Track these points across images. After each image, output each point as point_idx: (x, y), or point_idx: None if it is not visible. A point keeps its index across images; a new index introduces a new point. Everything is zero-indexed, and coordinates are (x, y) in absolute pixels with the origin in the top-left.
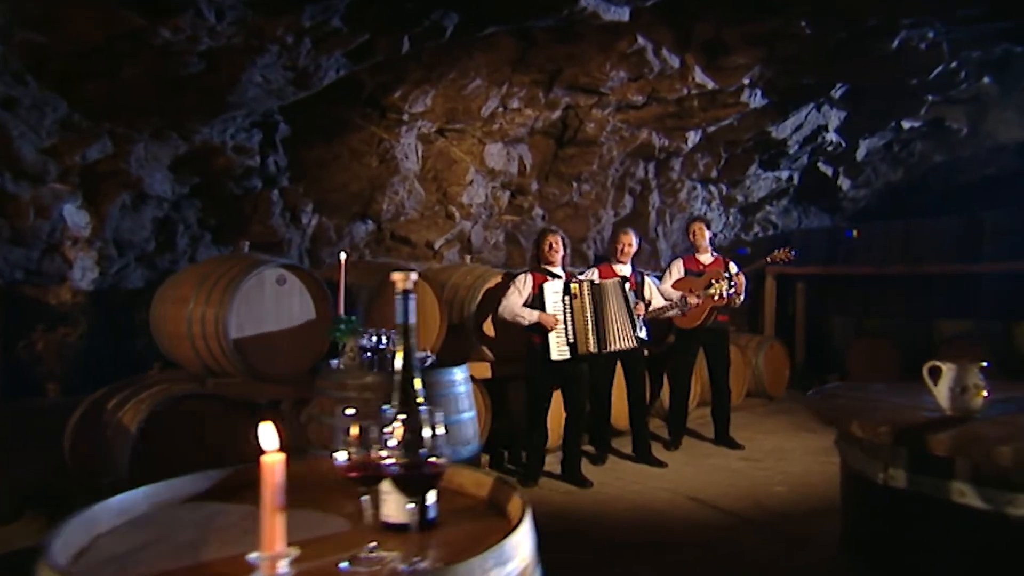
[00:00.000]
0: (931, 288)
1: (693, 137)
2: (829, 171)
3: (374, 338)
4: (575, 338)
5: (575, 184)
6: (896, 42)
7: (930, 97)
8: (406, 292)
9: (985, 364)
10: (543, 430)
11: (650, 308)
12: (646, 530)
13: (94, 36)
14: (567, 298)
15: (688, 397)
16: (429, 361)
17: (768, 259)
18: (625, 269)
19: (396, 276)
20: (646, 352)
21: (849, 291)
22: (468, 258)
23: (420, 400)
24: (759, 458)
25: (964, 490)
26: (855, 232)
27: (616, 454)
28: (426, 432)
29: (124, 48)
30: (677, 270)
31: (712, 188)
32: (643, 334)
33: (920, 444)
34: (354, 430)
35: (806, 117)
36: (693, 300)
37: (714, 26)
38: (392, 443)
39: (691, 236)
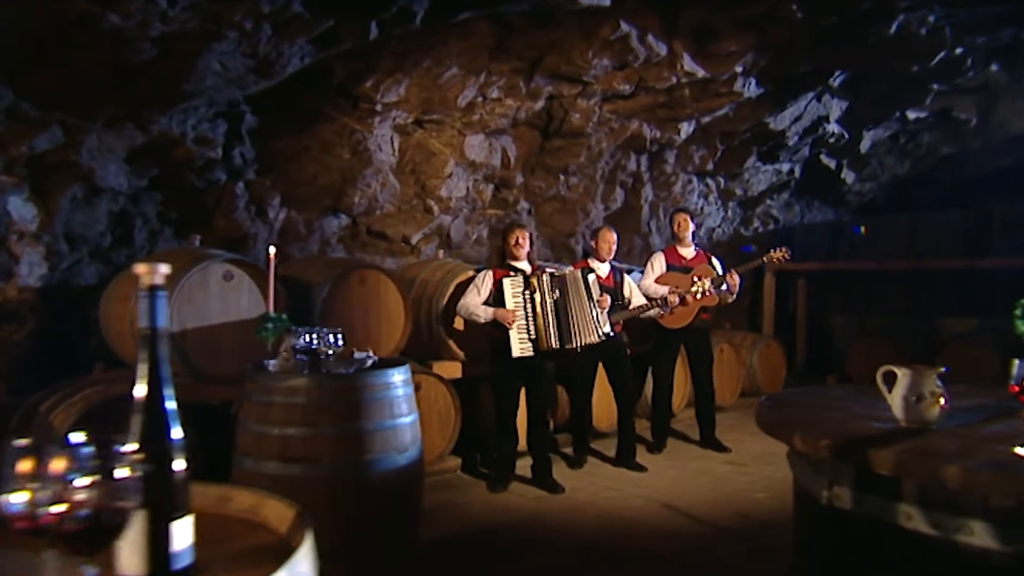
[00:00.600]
0: (936, 285)
1: (686, 128)
2: (832, 164)
3: (307, 338)
4: (536, 334)
5: (562, 177)
6: (894, 26)
7: (935, 86)
8: (152, 289)
9: (944, 369)
10: (512, 432)
11: (630, 307)
12: (614, 539)
13: (41, 23)
14: (527, 292)
15: (670, 397)
16: (370, 362)
17: (764, 260)
18: (604, 267)
19: (140, 269)
20: (630, 350)
21: (851, 288)
22: (441, 253)
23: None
24: (745, 462)
25: (911, 513)
26: (863, 228)
27: (598, 457)
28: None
29: (73, 35)
30: (659, 264)
31: (709, 181)
32: (607, 328)
33: (862, 461)
34: (24, 465)
35: (805, 107)
36: (673, 299)
37: (702, 11)
38: (81, 482)
39: (675, 228)
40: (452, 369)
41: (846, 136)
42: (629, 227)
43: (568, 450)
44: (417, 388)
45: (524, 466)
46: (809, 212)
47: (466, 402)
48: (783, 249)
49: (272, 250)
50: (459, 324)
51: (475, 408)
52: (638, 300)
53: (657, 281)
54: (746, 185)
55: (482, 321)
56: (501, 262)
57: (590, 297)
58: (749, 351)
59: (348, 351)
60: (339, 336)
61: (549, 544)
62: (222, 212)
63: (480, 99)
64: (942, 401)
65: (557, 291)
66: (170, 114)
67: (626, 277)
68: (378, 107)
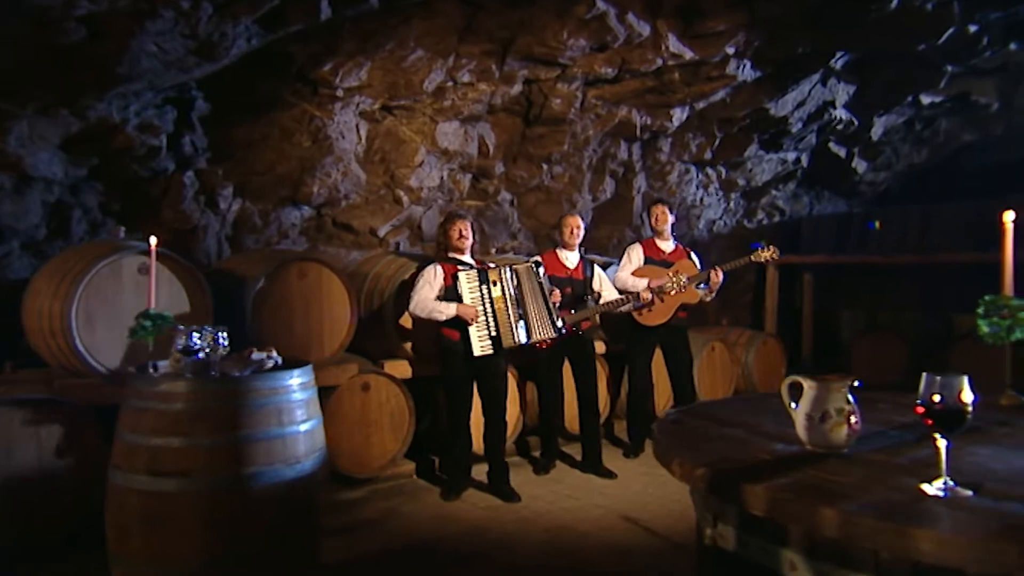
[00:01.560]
0: (949, 279)
1: (679, 114)
2: (842, 152)
3: (194, 337)
4: (498, 330)
5: (545, 166)
6: (895, 1)
7: (950, 68)
8: None
9: (856, 383)
10: (465, 435)
11: (601, 302)
12: (559, 554)
13: None
14: (484, 287)
15: (647, 399)
16: (270, 363)
17: (751, 258)
18: (573, 257)
19: None
20: (606, 348)
21: (860, 282)
22: (398, 245)
23: None
24: None
25: (796, 562)
26: (877, 223)
27: (569, 461)
28: None
29: None
30: (636, 256)
31: (709, 171)
32: (560, 324)
33: (734, 497)
34: None
35: (809, 92)
36: (647, 296)
37: None
38: None
39: (652, 220)
40: (402, 368)
41: (855, 123)
42: (620, 219)
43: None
44: (366, 388)
45: (484, 470)
46: (819, 203)
47: (421, 402)
48: (771, 248)
49: (153, 240)
50: (406, 321)
51: (432, 409)
52: (610, 294)
53: (634, 274)
54: (749, 175)
55: (443, 318)
56: (444, 255)
57: (543, 290)
58: (744, 349)
59: (247, 351)
60: (224, 335)
61: (484, 560)
62: (169, 203)
63: (450, 83)
64: (853, 420)
65: (518, 285)
66: (108, 99)
67: (597, 269)
68: (339, 92)
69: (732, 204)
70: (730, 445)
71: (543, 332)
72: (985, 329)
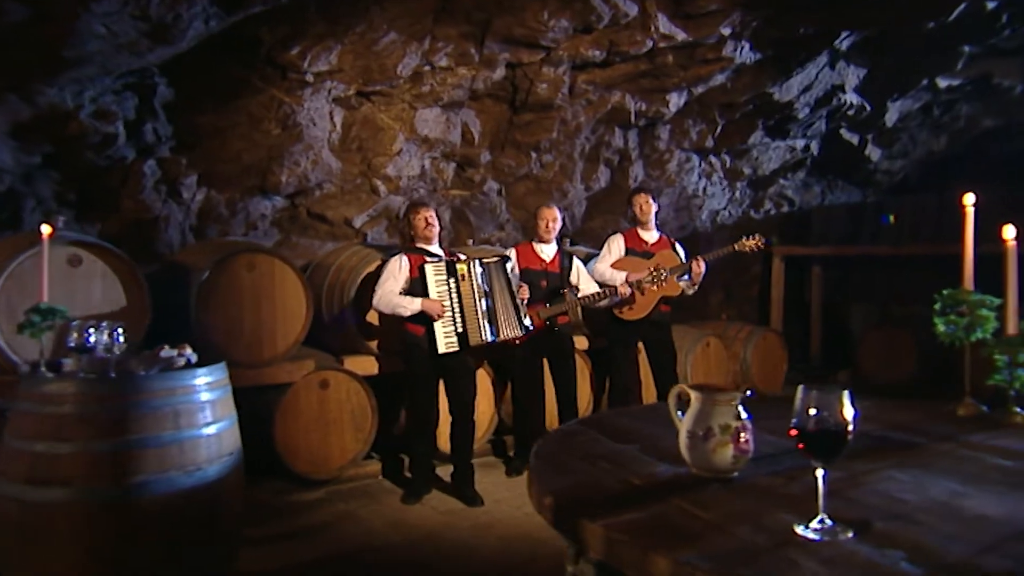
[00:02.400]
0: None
1: (676, 100)
2: (854, 139)
3: (90, 334)
4: (465, 327)
5: (534, 154)
6: None
7: (967, 48)
8: None
9: (749, 393)
10: (429, 436)
11: (578, 295)
12: (508, 566)
13: None
14: (452, 280)
15: (627, 396)
16: (181, 361)
17: (735, 247)
18: (549, 249)
19: None
20: (587, 343)
21: (872, 275)
22: (365, 236)
23: None
24: None
25: None
26: (891, 217)
27: None
28: None
29: None
30: (617, 247)
31: (713, 160)
32: (528, 322)
33: (572, 534)
34: None
35: (816, 76)
36: (625, 290)
37: None
38: None
39: (636, 209)
40: (366, 365)
41: (867, 108)
42: (615, 209)
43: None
44: (324, 386)
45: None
46: (831, 193)
47: (386, 400)
48: (756, 236)
49: (46, 229)
50: (372, 317)
51: (398, 407)
52: (589, 288)
53: (614, 266)
54: (755, 163)
55: (407, 314)
56: (411, 246)
57: (510, 286)
58: (743, 344)
59: (158, 349)
60: (120, 331)
61: (428, 571)
62: (128, 193)
63: (427, 68)
64: (742, 439)
65: (488, 279)
66: (60, 85)
67: (576, 262)
68: (308, 77)
69: (738, 194)
70: (609, 466)
71: (510, 330)
72: (941, 328)
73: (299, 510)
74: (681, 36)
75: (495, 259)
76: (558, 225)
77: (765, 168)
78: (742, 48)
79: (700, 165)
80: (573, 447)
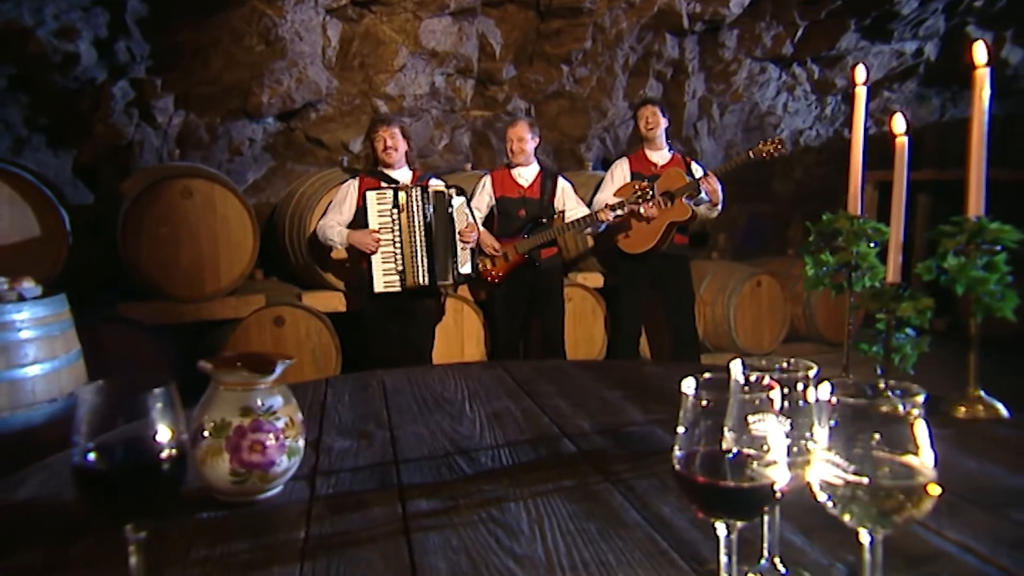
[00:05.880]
0: None
1: None
2: (988, 38)
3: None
4: (404, 264)
5: (566, 68)
6: None
7: None
8: None
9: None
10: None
11: (560, 223)
12: None
13: None
14: (395, 211)
15: (633, 343)
16: (13, 295)
17: (751, 153)
18: (528, 172)
19: None
20: (600, 282)
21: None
22: (343, 161)
23: None
24: None
25: None
26: None
27: None
28: None
29: None
30: (621, 173)
31: (797, 70)
32: (467, 268)
33: None
34: None
35: None
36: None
37: None
38: None
39: (641, 124)
40: (329, 301)
41: None
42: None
43: None
44: (279, 323)
45: None
46: (954, 106)
47: (356, 338)
48: (775, 139)
49: None
50: (339, 252)
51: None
52: (574, 212)
53: (617, 194)
54: (849, 73)
55: (338, 246)
56: (373, 169)
57: (452, 224)
58: None
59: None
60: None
61: None
62: (100, 116)
63: None
64: (252, 444)
65: (431, 210)
66: (17, 0)
67: (562, 184)
68: None
69: (828, 110)
70: None
71: (446, 274)
72: (809, 270)
73: None
74: None
75: (441, 187)
76: (530, 145)
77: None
78: None
79: (780, 77)
80: None
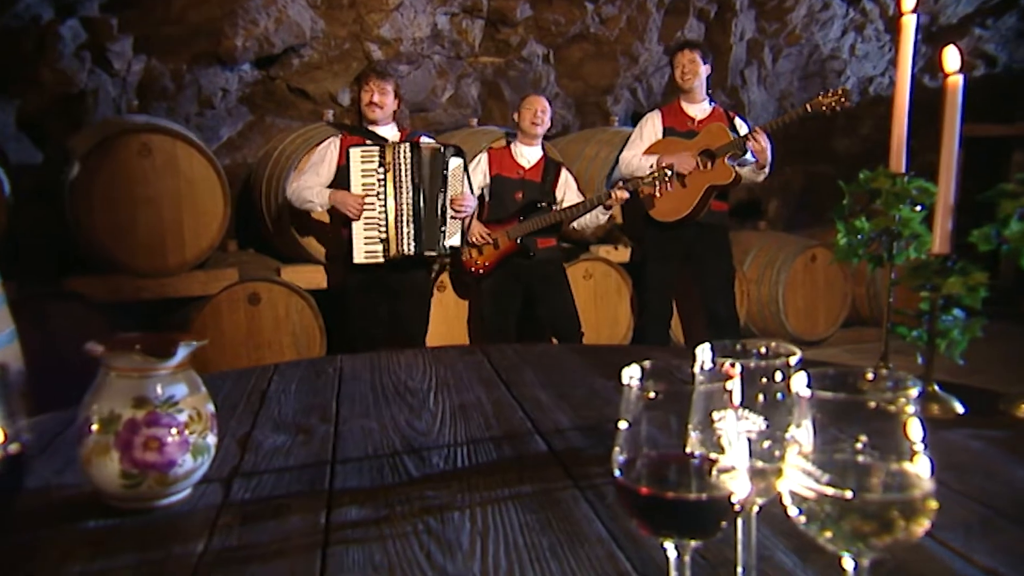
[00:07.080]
0: None
1: None
2: None
3: None
4: (387, 232)
5: (590, 6)
6: None
7: None
8: None
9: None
10: None
11: (555, 210)
12: None
13: None
14: (380, 170)
15: (662, 324)
16: None
17: (808, 107)
18: (532, 153)
19: None
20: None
21: None
22: (333, 115)
23: None
24: None
25: None
26: None
27: None
28: None
29: None
30: (652, 129)
31: (867, 5)
32: (455, 240)
33: None
34: None
35: None
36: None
37: None
38: None
39: (677, 72)
40: (311, 276)
41: None
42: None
43: None
44: (254, 301)
45: None
46: None
47: (333, 320)
48: (839, 90)
49: None
50: (323, 216)
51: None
52: (572, 197)
53: (648, 152)
54: (931, 8)
55: (319, 210)
56: (356, 126)
57: (443, 185)
58: None
59: None
60: None
61: None
62: (46, 61)
63: None
64: (147, 440)
65: (421, 171)
66: None
67: (565, 173)
68: None
69: None
70: None
71: (433, 244)
72: (841, 240)
73: None
74: None
75: (434, 146)
76: (547, 119)
77: (949, 14)
78: None
79: (846, 14)
80: None
